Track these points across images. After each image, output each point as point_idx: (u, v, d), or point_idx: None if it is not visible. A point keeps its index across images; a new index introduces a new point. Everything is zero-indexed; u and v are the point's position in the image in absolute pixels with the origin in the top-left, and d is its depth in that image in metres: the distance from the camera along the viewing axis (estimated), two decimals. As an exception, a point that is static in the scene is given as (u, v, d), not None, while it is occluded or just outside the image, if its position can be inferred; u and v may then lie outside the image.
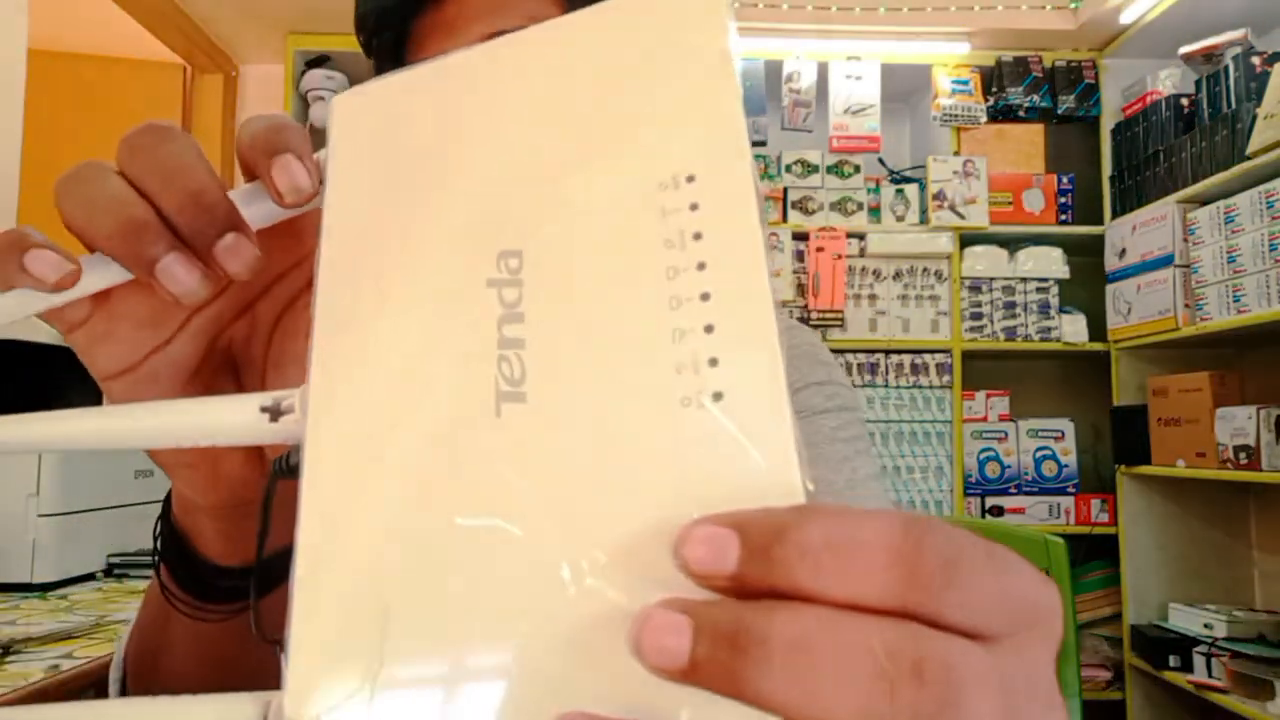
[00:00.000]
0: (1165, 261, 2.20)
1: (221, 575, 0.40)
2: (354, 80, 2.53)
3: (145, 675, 0.47)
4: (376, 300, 0.24)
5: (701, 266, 0.21)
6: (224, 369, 0.37)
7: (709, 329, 0.21)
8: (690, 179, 0.22)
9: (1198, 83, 2.22)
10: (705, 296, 0.21)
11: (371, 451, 0.23)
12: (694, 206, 0.22)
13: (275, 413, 0.26)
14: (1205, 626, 2.16)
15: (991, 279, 2.49)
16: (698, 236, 0.22)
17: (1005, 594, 0.19)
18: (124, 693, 0.50)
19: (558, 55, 0.25)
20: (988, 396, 2.51)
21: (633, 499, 0.20)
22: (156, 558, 0.41)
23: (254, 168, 0.29)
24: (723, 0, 0.25)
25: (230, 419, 0.27)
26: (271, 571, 0.34)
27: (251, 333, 0.36)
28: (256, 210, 0.30)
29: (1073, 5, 2.42)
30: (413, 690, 0.20)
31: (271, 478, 0.30)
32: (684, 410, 0.20)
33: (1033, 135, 2.56)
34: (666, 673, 0.17)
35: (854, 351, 2.44)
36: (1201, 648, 2.11)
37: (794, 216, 2.49)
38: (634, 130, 0.24)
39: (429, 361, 0.23)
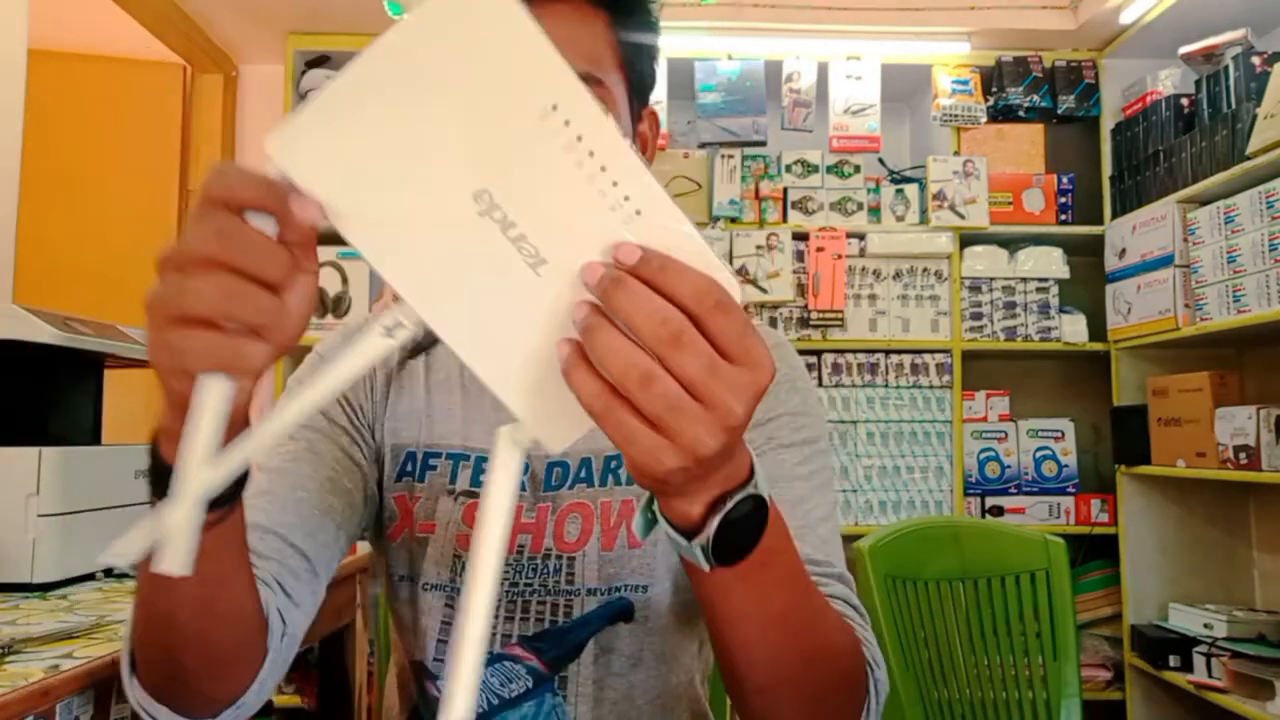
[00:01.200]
0: (1165, 261, 2.20)
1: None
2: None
3: (153, 619, 0.57)
4: (417, 254, 0.40)
5: (591, 154, 0.38)
6: None
7: (615, 184, 0.39)
8: (554, 108, 0.37)
9: (1198, 83, 2.22)
10: (604, 169, 0.38)
11: (479, 318, 0.41)
12: (567, 123, 0.38)
13: (391, 331, 0.41)
14: (1205, 626, 2.16)
15: (991, 279, 2.49)
16: (579, 139, 0.38)
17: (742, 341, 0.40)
18: (133, 656, 0.60)
19: (427, 58, 0.38)
20: (988, 396, 2.51)
21: None
22: (151, 495, 0.50)
23: (267, 205, 0.40)
24: None
25: (372, 351, 0.42)
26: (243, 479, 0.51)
27: None
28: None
29: (1072, 3, 2.42)
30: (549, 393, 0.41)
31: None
32: (628, 225, 0.39)
33: (1033, 135, 2.56)
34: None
35: (854, 351, 2.44)
36: (1201, 648, 2.11)
37: (794, 216, 2.49)
38: (501, 90, 0.37)
39: (478, 269, 0.40)
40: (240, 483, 0.51)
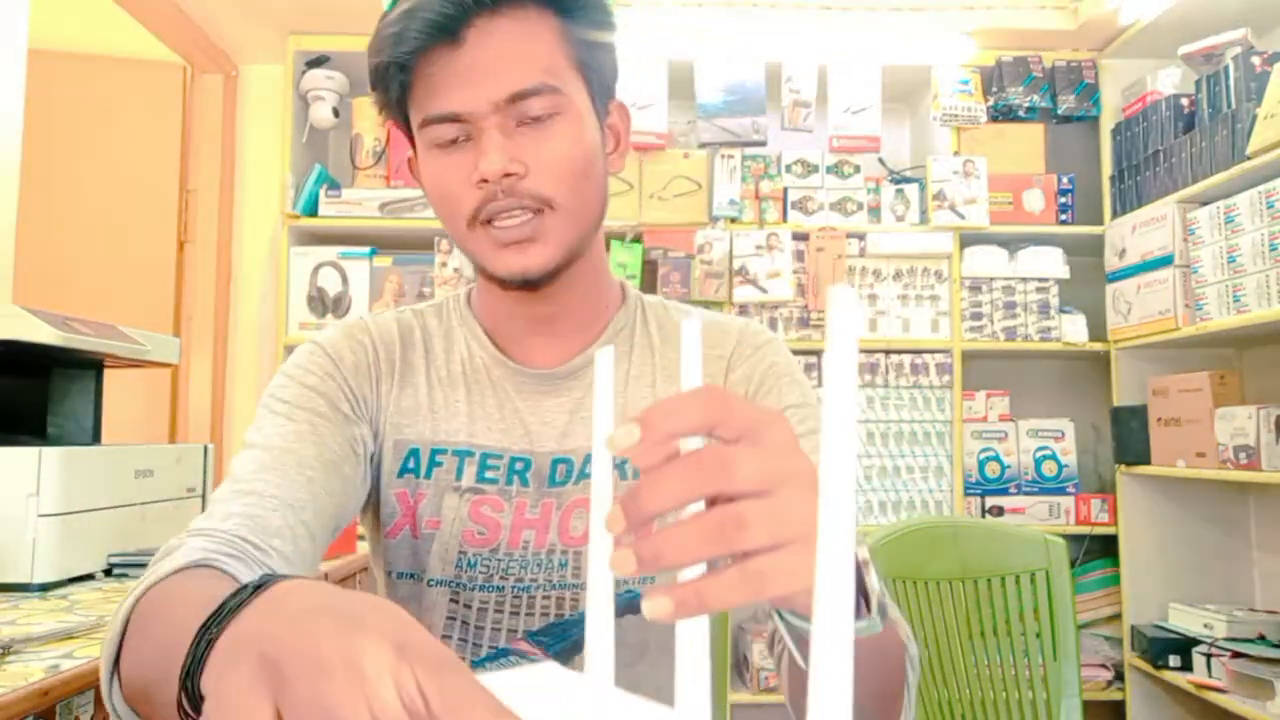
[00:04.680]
0: (1165, 261, 2.20)
1: None
2: (354, 81, 2.53)
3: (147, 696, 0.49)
4: None
5: None
6: None
7: None
8: None
9: (1198, 83, 2.22)
10: None
11: None
12: None
13: None
14: (1205, 626, 2.16)
15: (991, 279, 2.49)
16: None
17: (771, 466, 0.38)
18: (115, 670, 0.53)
19: None
20: (988, 396, 2.51)
21: None
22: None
23: None
24: None
25: None
26: None
27: None
28: None
29: (1072, 3, 2.42)
30: None
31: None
32: None
33: (1033, 135, 2.56)
34: None
35: (854, 351, 2.44)
36: (1201, 648, 2.11)
37: (794, 216, 2.49)
38: None
39: None
40: None
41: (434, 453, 0.79)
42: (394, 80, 0.71)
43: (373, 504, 0.81)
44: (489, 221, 0.72)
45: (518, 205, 0.71)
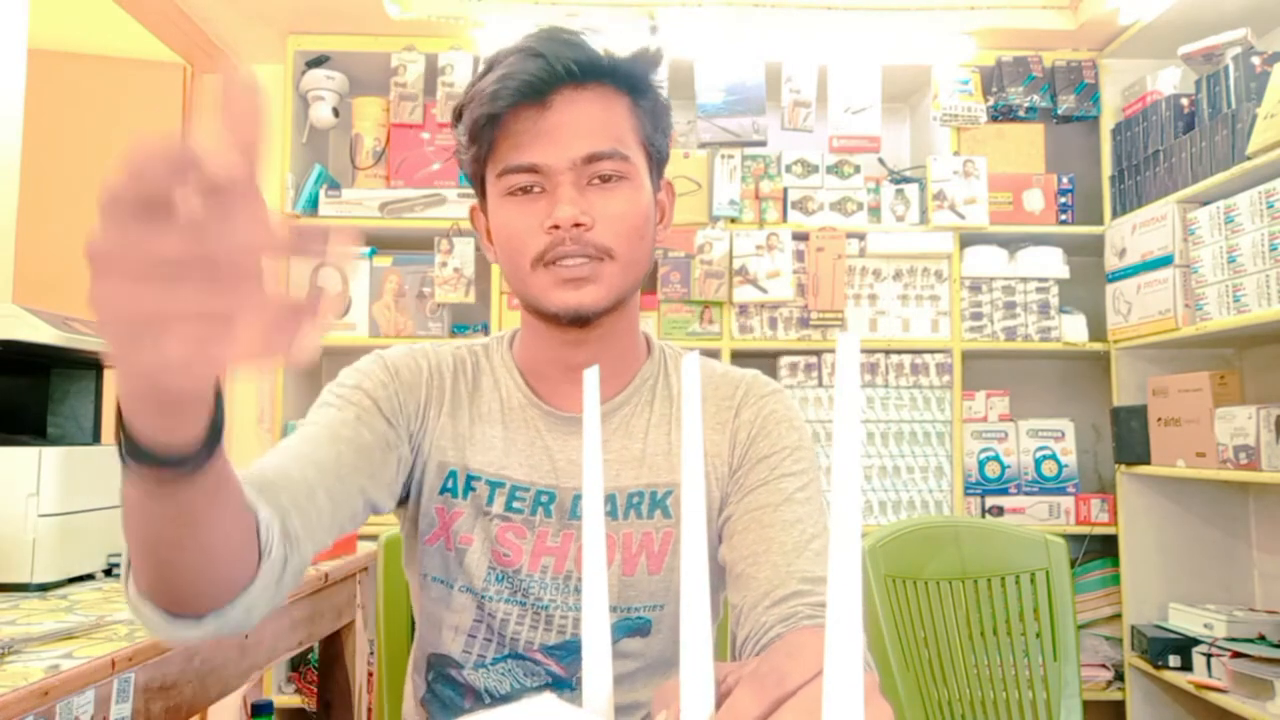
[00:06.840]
0: (1165, 261, 2.20)
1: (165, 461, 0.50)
2: (354, 80, 2.53)
3: (135, 543, 0.58)
4: None
5: None
6: None
7: None
8: None
9: (1198, 83, 2.22)
10: None
11: None
12: None
13: None
14: (1205, 626, 2.16)
15: (991, 279, 2.49)
16: None
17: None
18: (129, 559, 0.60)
19: None
20: (988, 396, 2.51)
21: None
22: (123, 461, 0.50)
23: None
24: None
25: None
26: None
27: None
28: None
29: (1072, 3, 2.42)
30: None
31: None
32: None
33: (1033, 135, 2.56)
34: None
35: (854, 351, 2.44)
36: (1201, 648, 2.11)
37: (794, 216, 2.49)
38: None
39: None
40: (211, 446, 0.50)
41: (470, 478, 0.88)
42: (485, 133, 0.81)
43: (413, 514, 0.90)
44: (553, 262, 0.81)
45: (581, 252, 0.81)
